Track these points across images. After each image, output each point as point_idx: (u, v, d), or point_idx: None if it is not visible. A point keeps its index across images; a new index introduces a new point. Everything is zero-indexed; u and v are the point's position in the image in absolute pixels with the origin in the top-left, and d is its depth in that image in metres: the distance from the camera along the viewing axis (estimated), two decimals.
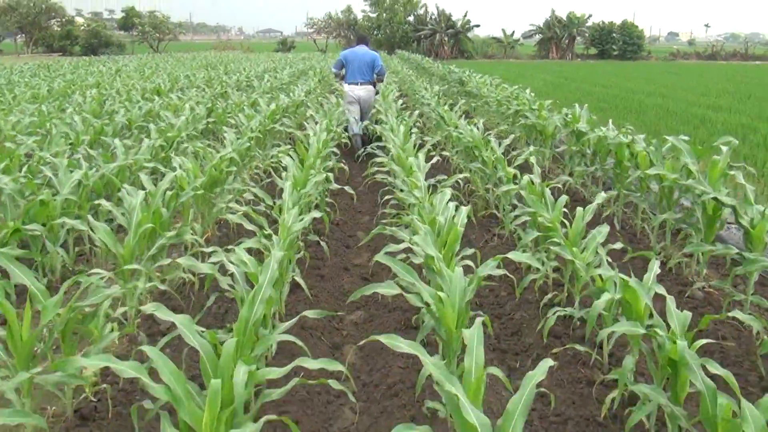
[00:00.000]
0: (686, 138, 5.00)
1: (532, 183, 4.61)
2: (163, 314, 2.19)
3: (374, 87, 9.05)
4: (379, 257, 2.89)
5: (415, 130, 7.06)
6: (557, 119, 7.43)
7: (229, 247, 3.04)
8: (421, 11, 50.90)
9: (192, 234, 3.98)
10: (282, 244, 3.26)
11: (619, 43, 50.15)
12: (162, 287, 3.06)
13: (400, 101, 10.19)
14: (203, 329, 2.24)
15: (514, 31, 52.24)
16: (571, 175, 6.47)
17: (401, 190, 4.92)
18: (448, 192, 4.04)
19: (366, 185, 6.58)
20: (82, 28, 50.92)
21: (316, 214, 3.78)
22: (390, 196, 4.81)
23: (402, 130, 6.59)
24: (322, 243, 4.42)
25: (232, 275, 2.86)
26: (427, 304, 2.64)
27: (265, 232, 3.49)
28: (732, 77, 26.96)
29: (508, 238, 5.27)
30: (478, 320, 2.21)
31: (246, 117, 7.24)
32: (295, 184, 4.35)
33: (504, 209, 5.40)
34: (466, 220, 3.49)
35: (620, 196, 5.43)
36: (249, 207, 4.27)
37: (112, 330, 2.98)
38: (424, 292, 2.56)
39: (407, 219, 3.73)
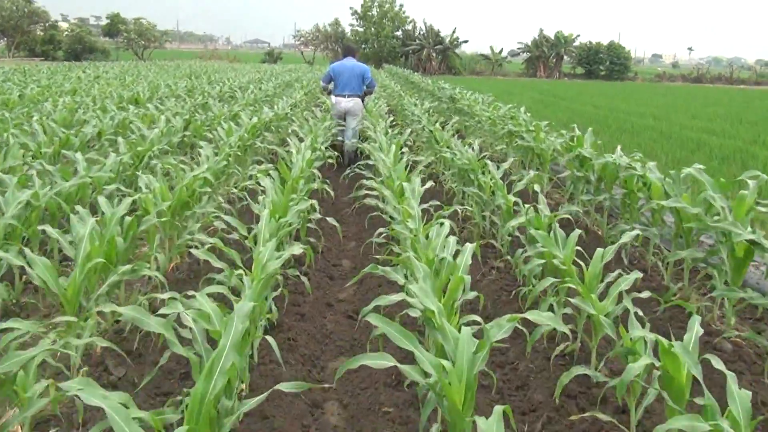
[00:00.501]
0: (700, 167, 4.59)
1: (538, 214, 4.16)
2: (91, 396, 1.68)
3: (362, 100, 8.79)
4: (369, 317, 2.40)
5: (404, 149, 6.61)
6: (557, 142, 7.01)
7: (190, 293, 2.53)
8: (410, 26, 50.79)
9: (154, 266, 3.47)
10: (254, 288, 2.76)
11: (606, 63, 50.37)
12: (103, 343, 2.54)
13: (390, 117, 9.74)
14: (143, 413, 1.73)
15: (502, 49, 52.31)
16: (571, 201, 6.03)
17: (392, 218, 4.44)
18: (447, 224, 3.57)
19: (353, 209, 6.11)
20: (66, 33, 50.13)
21: (297, 249, 3.28)
22: (383, 230, 4.30)
23: (393, 150, 6.13)
24: (303, 278, 3.91)
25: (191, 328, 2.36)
26: (427, 374, 2.15)
27: (236, 272, 2.99)
28: (720, 100, 26.90)
29: (507, 271, 4.81)
30: (498, 409, 1.73)
31: (225, 132, 6.74)
32: (274, 211, 3.85)
33: (503, 239, 4.95)
34: (470, 262, 3.01)
35: (630, 229, 4.99)
36: (220, 235, 3.76)
37: (48, 388, 2.47)
38: (424, 361, 2.08)
39: (402, 258, 3.25)
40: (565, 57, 50.75)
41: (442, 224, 3.74)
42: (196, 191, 4.59)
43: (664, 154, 10.72)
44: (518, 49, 53.03)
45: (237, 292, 3.10)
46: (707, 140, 12.69)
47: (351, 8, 50.34)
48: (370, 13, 49.89)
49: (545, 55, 49.86)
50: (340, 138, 8.53)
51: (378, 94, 15.11)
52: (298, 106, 11.56)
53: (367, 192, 4.91)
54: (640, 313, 2.95)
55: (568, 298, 3.14)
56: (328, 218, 4.19)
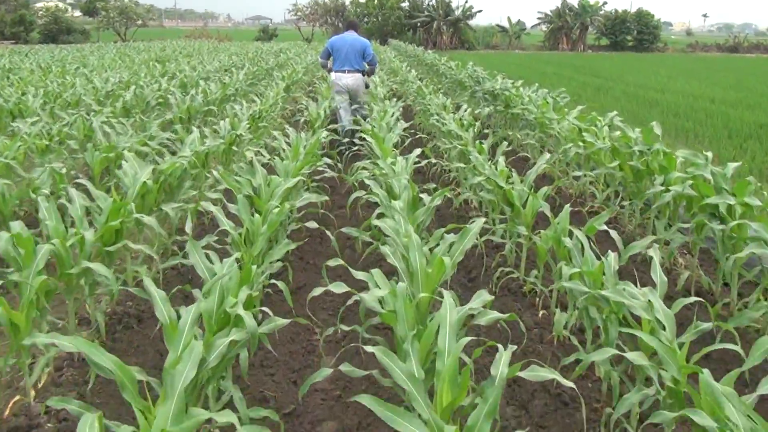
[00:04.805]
0: None
1: None
2: None
3: (363, 75, 8.24)
4: None
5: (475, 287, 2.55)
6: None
7: None
8: None
9: None
10: None
11: (633, 33, 45.64)
12: None
13: (409, 141, 5.69)
14: None
15: (519, 20, 47.60)
16: None
17: None
18: None
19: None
20: (41, 13, 45.75)
21: None
22: None
23: (448, 308, 2.09)
24: None
25: None
26: None
27: None
28: None
29: None
30: None
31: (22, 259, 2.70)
32: None
33: None
34: None
35: None
36: None
37: None
38: None
39: None
40: (589, 27, 45.98)
41: None
42: None
43: None
44: (539, 19, 48.22)
45: None
46: None
47: None
48: None
49: (568, 25, 45.07)
50: (337, 123, 8.07)
51: (386, 84, 11.02)
52: (266, 116, 7.41)
53: None
54: None
55: None
56: None
